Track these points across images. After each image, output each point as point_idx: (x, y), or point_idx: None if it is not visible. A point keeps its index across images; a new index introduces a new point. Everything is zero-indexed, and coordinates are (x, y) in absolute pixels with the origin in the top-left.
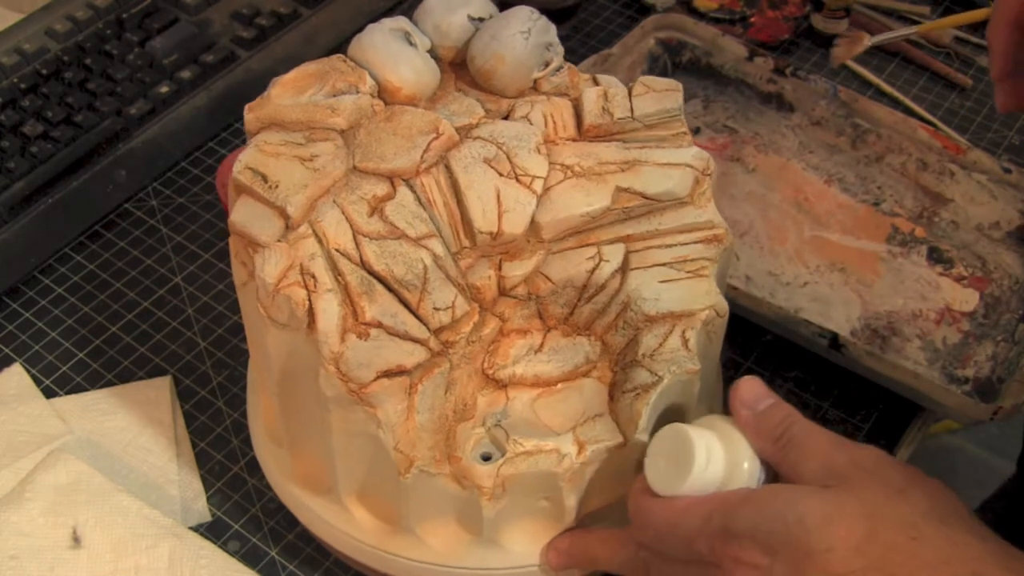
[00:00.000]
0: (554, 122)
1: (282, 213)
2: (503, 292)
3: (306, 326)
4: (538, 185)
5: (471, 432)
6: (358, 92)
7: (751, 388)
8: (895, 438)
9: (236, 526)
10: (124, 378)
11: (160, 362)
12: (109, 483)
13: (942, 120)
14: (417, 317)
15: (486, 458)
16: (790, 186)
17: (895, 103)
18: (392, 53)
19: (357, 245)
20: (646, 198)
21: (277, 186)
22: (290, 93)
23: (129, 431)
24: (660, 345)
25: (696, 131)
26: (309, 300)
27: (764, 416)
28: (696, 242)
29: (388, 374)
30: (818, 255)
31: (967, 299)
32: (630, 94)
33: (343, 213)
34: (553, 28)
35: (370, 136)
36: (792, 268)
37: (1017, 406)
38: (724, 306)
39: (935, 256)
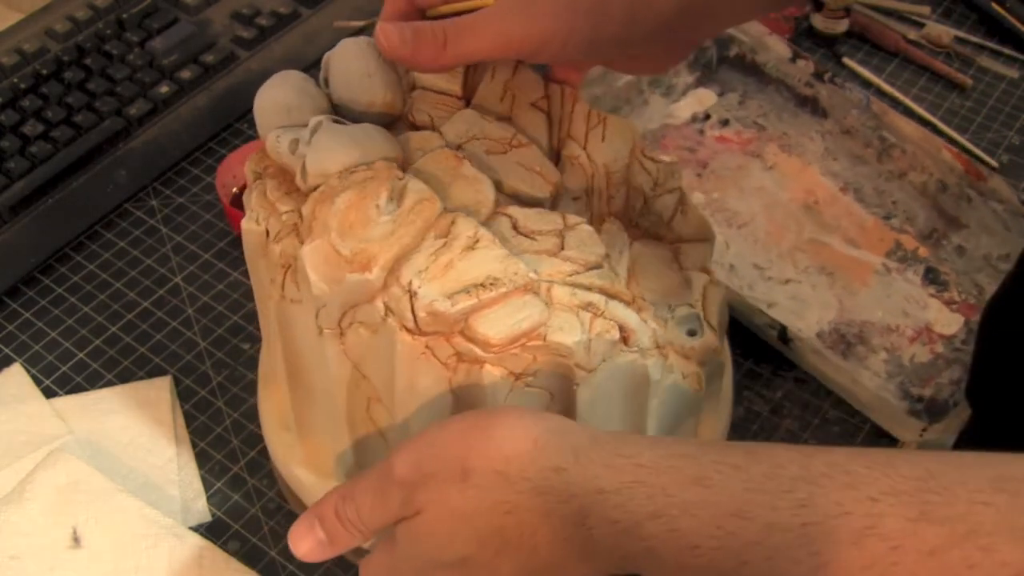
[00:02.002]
0: (443, 103)
1: (528, 287)
2: None
3: (623, 343)
4: (522, 137)
5: (671, 330)
6: (402, 179)
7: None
8: (895, 439)
9: (236, 526)
10: (124, 378)
11: (160, 362)
12: (109, 483)
13: (942, 120)
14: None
15: (692, 333)
16: (803, 188)
17: (895, 103)
18: (365, 138)
19: (567, 260)
20: (545, 95)
21: (496, 279)
22: (361, 231)
23: (129, 431)
24: (647, 173)
25: (725, 123)
26: (615, 323)
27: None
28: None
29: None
30: (811, 257)
31: (950, 323)
32: None
33: (531, 253)
34: None
35: (448, 198)
36: (780, 265)
37: (952, 429)
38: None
39: (931, 277)
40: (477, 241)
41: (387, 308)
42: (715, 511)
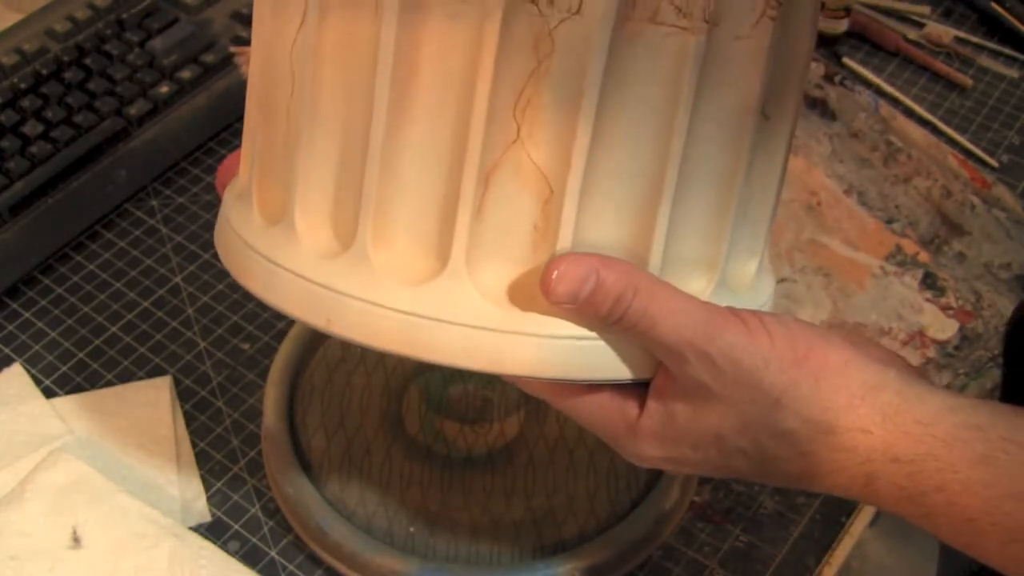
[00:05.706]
0: None
1: None
2: None
3: None
4: None
5: None
6: None
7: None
8: None
9: (236, 526)
10: (124, 378)
11: (160, 362)
12: (109, 483)
13: (942, 120)
14: None
15: None
16: (807, 189)
17: (895, 102)
18: None
19: None
20: None
21: None
22: None
23: (129, 431)
24: None
25: None
26: None
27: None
28: None
29: None
30: (808, 257)
31: (945, 328)
32: None
33: None
34: None
35: None
36: (776, 264)
37: None
38: None
39: (928, 282)
40: None
41: None
42: (995, 492)
